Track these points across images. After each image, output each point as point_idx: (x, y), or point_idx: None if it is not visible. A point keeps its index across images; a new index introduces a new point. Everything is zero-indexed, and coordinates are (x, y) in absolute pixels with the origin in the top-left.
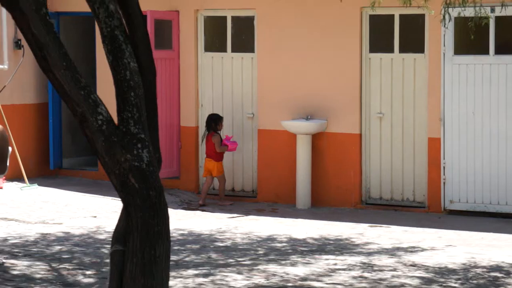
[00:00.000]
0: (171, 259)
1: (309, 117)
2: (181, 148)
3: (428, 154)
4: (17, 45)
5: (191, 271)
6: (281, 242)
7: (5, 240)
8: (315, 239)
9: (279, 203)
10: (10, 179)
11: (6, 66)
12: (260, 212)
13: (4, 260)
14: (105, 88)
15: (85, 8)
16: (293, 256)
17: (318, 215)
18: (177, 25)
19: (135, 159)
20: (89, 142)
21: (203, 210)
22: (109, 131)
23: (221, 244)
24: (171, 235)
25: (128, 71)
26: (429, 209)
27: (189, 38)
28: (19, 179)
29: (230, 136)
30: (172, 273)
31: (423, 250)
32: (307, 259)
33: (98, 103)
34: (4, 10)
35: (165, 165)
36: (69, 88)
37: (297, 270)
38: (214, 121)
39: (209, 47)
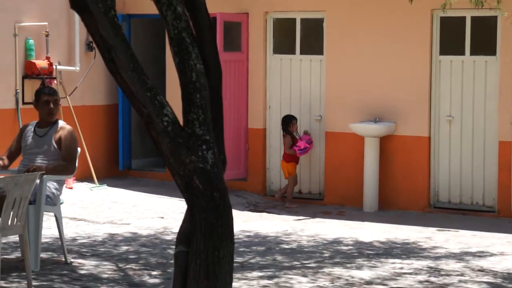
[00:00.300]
0: (236, 260)
1: (377, 119)
2: (248, 150)
3: (499, 157)
4: (89, 47)
5: (256, 273)
6: (347, 245)
7: (74, 239)
8: (382, 243)
9: (346, 206)
10: (80, 179)
11: (77, 68)
12: (326, 214)
13: (72, 260)
14: (175, 90)
15: (156, 10)
16: (358, 259)
17: (385, 218)
18: (246, 27)
19: (200, 160)
20: (155, 143)
21: (269, 212)
22: (174, 133)
23: (286, 247)
24: (236, 236)
25: (194, 72)
26: (499, 213)
27: (258, 40)
28: (89, 179)
29: (306, 136)
30: (237, 275)
31: (492, 255)
32: (373, 262)
33: (164, 104)
34: (76, 13)
35: (232, 166)
36: (135, 89)
37: (363, 273)
38: (286, 123)
39: (277, 49)
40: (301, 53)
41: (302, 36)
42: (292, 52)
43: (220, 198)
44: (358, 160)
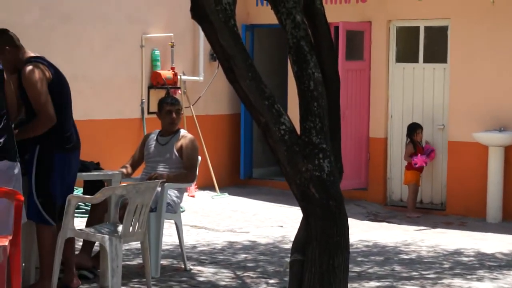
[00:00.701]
0: (353, 270)
1: (502, 128)
2: (369, 159)
3: None
4: (213, 57)
5: (373, 283)
6: (468, 256)
7: (194, 247)
8: (505, 254)
9: (468, 216)
10: (202, 188)
11: (201, 78)
12: (448, 225)
13: (191, 267)
14: (297, 99)
15: None
16: (480, 271)
17: (509, 229)
18: (369, 36)
19: (316, 169)
20: (272, 152)
21: (389, 222)
22: (291, 141)
23: (405, 257)
24: (355, 246)
25: (312, 81)
26: None
27: (381, 49)
28: (211, 188)
29: (429, 146)
30: (353, 285)
31: None
32: (494, 274)
33: (281, 113)
34: None
35: (353, 176)
36: (254, 98)
37: (483, 285)
38: (409, 130)
39: (400, 58)
40: (424, 61)
41: (426, 44)
42: (415, 60)
43: (336, 207)
44: (482, 170)
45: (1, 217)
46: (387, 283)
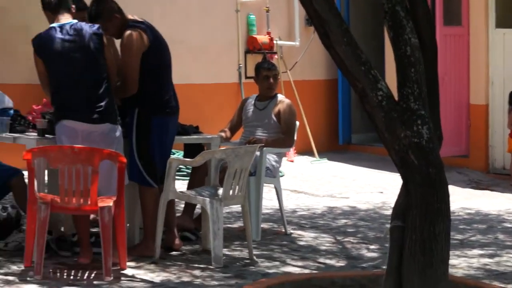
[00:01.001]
0: (455, 237)
1: None
2: (470, 126)
3: None
4: (308, 22)
5: (476, 251)
6: None
7: (294, 211)
8: None
9: None
10: (301, 153)
11: (297, 43)
12: None
13: (292, 231)
14: (393, 64)
15: None
16: None
17: None
18: (467, 1)
19: (415, 135)
20: (369, 118)
21: (492, 190)
22: (388, 107)
23: (509, 225)
24: (457, 213)
25: (409, 46)
26: None
27: (479, 14)
28: (309, 153)
29: None
30: (456, 252)
31: None
32: None
33: (378, 78)
34: None
35: (453, 142)
36: (350, 63)
37: None
38: (511, 97)
39: (500, 23)
40: None
41: None
42: None
43: (436, 174)
44: None
45: (105, 178)
46: (490, 251)
